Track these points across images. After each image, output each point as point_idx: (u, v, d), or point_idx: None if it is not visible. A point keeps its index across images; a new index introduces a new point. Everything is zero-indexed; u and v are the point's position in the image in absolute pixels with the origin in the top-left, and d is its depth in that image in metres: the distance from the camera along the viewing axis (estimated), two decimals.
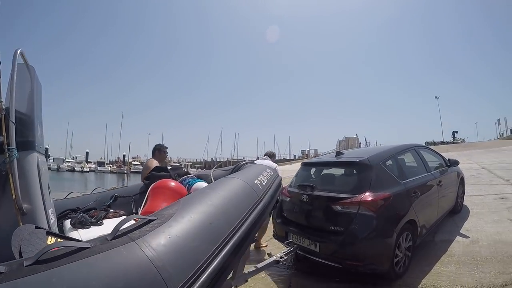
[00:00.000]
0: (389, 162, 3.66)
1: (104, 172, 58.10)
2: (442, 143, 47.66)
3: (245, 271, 2.67)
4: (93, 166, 63.42)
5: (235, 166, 2.87)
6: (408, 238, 3.29)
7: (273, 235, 4.00)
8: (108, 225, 1.97)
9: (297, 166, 4.34)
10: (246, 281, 2.65)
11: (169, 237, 1.15)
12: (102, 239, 1.12)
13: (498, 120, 49.55)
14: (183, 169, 3.05)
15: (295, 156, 67.68)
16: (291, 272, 3.68)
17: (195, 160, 72.33)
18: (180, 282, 1.06)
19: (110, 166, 64.07)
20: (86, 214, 2.20)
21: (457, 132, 60.08)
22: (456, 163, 5.16)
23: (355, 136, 53.49)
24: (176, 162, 64.29)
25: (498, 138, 44.43)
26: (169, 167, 3.01)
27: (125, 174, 51.38)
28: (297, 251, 3.36)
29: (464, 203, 5.73)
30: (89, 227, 2.03)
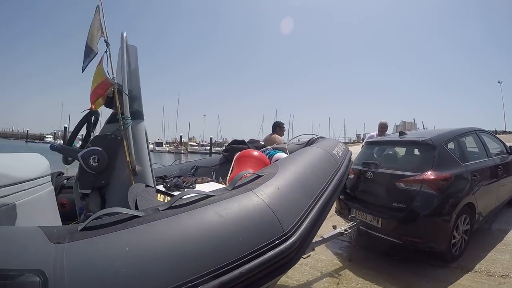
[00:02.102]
0: (451, 143, 3.71)
1: (162, 152, 60.92)
2: (504, 132, 43.50)
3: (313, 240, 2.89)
4: (151, 146, 66.33)
5: (309, 140, 3.08)
6: (466, 221, 3.35)
7: (335, 211, 4.17)
8: (200, 189, 2.26)
9: (353, 149, 4.45)
10: (313, 249, 2.83)
11: (278, 189, 1.41)
12: (224, 190, 1.40)
13: None
14: (260, 141, 3.32)
15: (350, 139, 66.45)
16: (352, 247, 3.85)
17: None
18: (290, 224, 1.31)
19: (167, 147, 67.07)
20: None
21: None
22: None
23: (413, 120, 51.04)
24: None
25: None
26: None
27: (182, 154, 53.47)
28: (360, 226, 3.52)
29: None
30: (183, 190, 2.35)
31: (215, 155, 3.51)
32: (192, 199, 1.30)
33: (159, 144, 68.70)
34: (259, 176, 1.54)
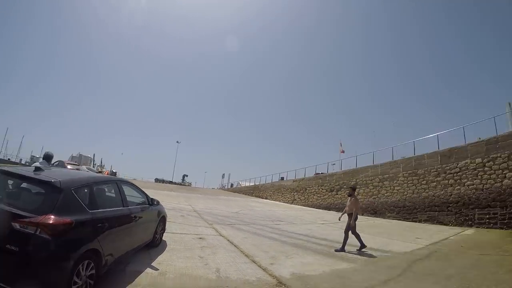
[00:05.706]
0: (85, 189, 3.77)
1: None
2: (171, 182, 54.02)
3: None
4: None
5: None
6: (90, 266, 3.41)
7: None
8: None
9: None
10: None
11: None
12: None
13: (223, 174, 61.79)
14: None
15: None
16: None
17: None
18: None
19: None
20: None
21: (187, 175, 69.15)
22: (158, 203, 5.86)
23: (92, 156, 50.05)
24: None
25: (219, 188, 56.20)
26: None
27: None
28: None
29: (165, 239, 6.39)
30: None
31: None
32: None
33: None
34: None
